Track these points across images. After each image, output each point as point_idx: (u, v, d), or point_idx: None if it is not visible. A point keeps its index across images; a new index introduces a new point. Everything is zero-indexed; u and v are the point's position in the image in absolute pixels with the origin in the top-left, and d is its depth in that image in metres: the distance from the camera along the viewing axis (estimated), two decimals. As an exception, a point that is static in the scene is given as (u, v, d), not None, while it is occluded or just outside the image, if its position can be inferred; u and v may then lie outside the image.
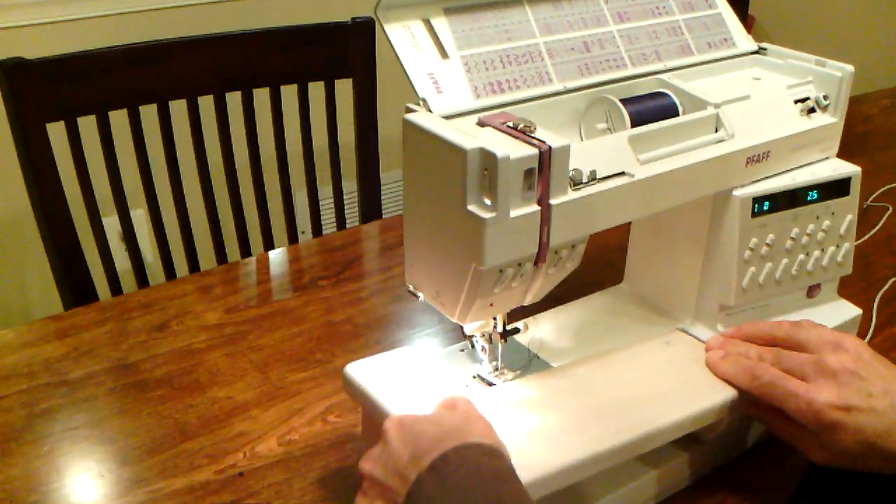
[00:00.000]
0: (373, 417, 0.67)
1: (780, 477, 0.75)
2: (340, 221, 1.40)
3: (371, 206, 1.41)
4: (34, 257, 1.88)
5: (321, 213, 1.40)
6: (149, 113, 1.19)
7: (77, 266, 1.16)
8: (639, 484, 0.69)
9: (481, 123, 0.61)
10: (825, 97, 0.76)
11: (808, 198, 0.75)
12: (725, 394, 0.68)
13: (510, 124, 0.60)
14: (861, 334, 0.88)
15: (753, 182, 0.73)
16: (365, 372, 0.69)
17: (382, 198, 1.43)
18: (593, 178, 0.62)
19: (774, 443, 0.74)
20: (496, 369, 0.71)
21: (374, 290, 1.03)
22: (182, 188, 1.25)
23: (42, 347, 0.90)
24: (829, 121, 0.76)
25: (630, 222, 0.82)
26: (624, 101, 0.68)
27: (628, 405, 0.67)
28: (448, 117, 0.62)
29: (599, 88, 0.70)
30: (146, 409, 0.82)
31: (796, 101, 0.76)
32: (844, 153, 0.79)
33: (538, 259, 0.61)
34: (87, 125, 1.15)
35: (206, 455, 0.76)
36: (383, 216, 1.39)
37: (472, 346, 0.72)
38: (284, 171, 1.34)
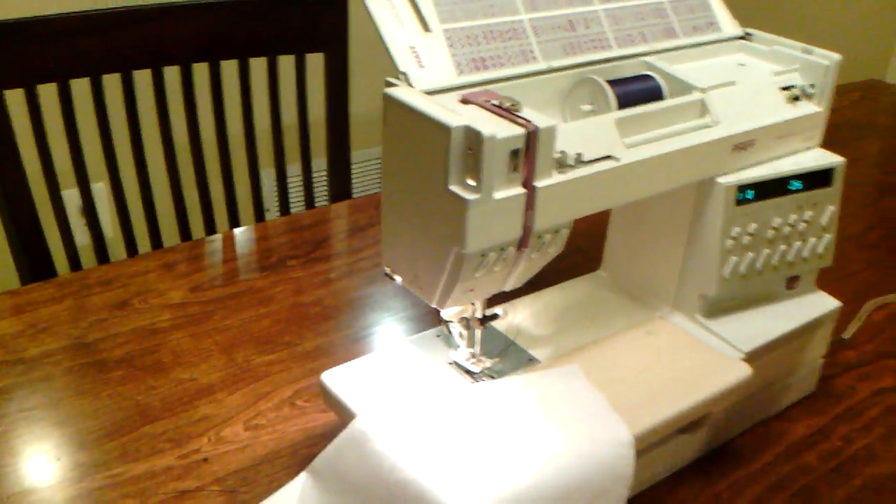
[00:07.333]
0: None
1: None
2: (309, 200, 1.36)
3: (340, 186, 1.38)
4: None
5: (289, 191, 1.37)
6: (112, 83, 1.15)
7: (36, 241, 1.12)
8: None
9: (465, 101, 0.59)
10: (812, 86, 0.75)
11: (792, 187, 0.74)
12: (718, 384, 0.67)
13: (495, 102, 0.58)
14: (840, 328, 0.87)
15: (738, 170, 0.72)
16: (343, 381, 0.67)
17: (352, 177, 1.40)
18: (580, 161, 0.60)
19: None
20: (473, 356, 0.69)
21: (344, 272, 1.01)
22: (145, 162, 1.21)
23: (-4, 324, 0.86)
24: (814, 110, 0.75)
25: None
26: (610, 82, 0.66)
27: (627, 400, 0.65)
28: (430, 93, 0.60)
29: (584, 69, 0.68)
30: (106, 389, 0.79)
31: (782, 89, 0.75)
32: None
33: (522, 243, 0.59)
34: (48, 95, 1.10)
35: (168, 439, 0.73)
36: (353, 196, 1.36)
37: (449, 332, 0.69)
38: (251, 148, 1.30)
